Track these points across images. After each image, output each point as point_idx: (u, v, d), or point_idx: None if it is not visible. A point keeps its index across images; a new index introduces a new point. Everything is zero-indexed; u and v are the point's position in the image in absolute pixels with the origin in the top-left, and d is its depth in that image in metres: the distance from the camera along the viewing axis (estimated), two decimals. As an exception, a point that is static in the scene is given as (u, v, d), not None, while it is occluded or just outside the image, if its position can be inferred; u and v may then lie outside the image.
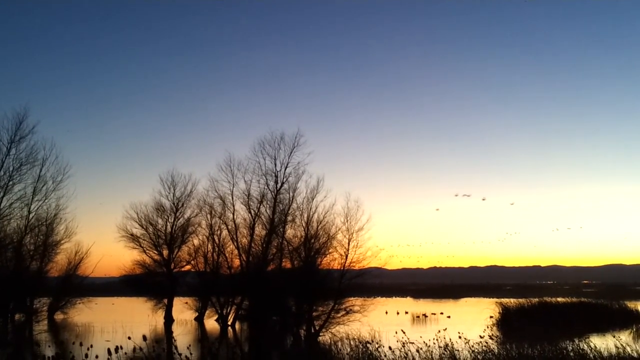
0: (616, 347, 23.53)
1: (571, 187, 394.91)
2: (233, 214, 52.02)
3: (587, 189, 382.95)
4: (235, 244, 51.68)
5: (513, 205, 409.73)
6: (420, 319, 56.63)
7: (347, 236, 42.40)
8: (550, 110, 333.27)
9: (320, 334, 39.45)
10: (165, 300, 56.76)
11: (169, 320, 54.52)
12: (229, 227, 52.27)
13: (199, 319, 54.01)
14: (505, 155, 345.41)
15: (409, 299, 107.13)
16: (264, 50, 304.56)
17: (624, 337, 32.44)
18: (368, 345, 21.98)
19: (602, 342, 25.23)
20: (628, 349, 23.98)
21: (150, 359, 16.29)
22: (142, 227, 57.01)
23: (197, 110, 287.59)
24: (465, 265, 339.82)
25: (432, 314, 61.69)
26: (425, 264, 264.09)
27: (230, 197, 52.04)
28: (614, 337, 26.60)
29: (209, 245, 54.90)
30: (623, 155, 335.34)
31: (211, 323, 51.64)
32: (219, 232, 53.81)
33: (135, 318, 56.51)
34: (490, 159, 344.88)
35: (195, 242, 57.57)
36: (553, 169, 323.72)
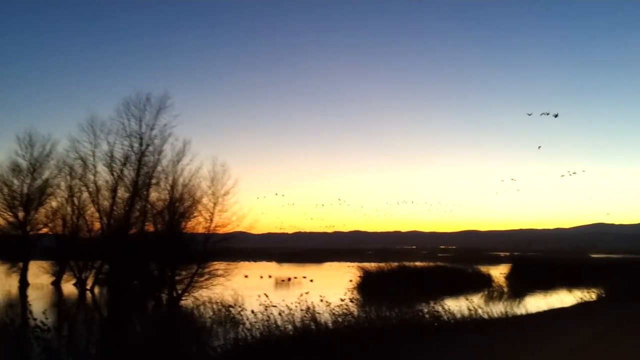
0: (469, 309, 25.28)
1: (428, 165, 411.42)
2: (94, 176, 50.63)
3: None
4: (97, 206, 50.38)
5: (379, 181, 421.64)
6: (283, 282, 57.70)
7: (212, 200, 42.53)
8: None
9: (183, 298, 39.45)
10: (20, 264, 54.44)
11: (23, 284, 52.36)
12: (90, 189, 50.87)
13: (56, 284, 52.21)
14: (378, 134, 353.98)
15: (273, 264, 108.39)
16: (130, 10, 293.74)
17: (476, 300, 34.45)
18: (230, 309, 22.27)
19: (456, 305, 26.72)
20: (480, 311, 25.88)
21: (4, 325, 15.84)
22: (-5, 188, 54.10)
23: (58, 68, 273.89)
24: (330, 230, 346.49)
25: (294, 277, 63.00)
26: (290, 229, 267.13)
27: (91, 159, 50.63)
28: (467, 299, 28.45)
29: (69, 208, 53.53)
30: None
31: (69, 287, 50.05)
32: (79, 194, 52.49)
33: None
34: (361, 129, 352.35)
35: (54, 204, 55.59)
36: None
